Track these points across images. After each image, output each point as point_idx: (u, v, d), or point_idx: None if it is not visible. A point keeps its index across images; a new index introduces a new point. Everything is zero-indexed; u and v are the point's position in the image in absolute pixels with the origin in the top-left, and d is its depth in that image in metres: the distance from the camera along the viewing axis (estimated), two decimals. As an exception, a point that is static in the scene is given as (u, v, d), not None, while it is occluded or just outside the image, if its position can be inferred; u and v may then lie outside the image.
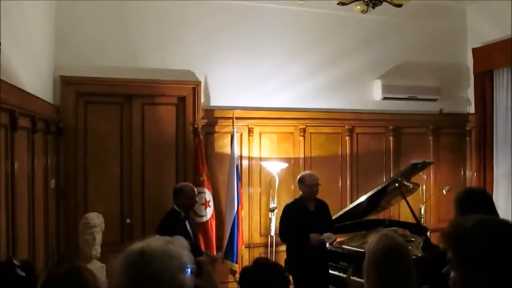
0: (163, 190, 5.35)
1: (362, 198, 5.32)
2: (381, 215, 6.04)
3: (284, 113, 6.14)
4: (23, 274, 2.14)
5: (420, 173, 5.82)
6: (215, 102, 5.88)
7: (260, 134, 6.10)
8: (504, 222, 1.46)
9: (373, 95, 6.58)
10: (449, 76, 6.92)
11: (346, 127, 6.46)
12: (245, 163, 6.02)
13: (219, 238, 5.62)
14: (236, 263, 5.57)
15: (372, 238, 2.26)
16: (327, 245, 4.78)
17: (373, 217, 5.82)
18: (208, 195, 5.54)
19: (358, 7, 4.28)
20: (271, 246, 5.86)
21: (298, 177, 4.94)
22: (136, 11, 5.52)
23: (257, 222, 6.06)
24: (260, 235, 6.06)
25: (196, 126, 5.70)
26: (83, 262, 4.38)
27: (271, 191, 5.94)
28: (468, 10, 6.88)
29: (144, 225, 5.53)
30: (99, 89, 5.38)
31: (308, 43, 6.24)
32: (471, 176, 6.87)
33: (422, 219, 5.92)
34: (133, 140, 5.58)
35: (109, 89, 5.41)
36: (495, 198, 6.25)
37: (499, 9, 6.16)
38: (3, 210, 3.22)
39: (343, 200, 6.35)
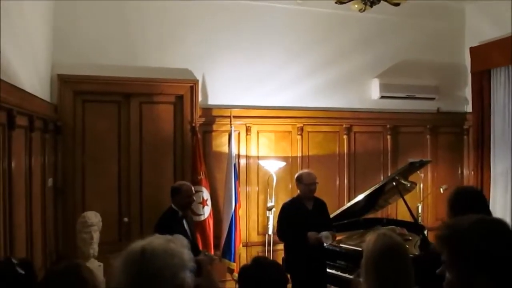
0: (161, 188, 5.34)
1: (360, 197, 5.33)
2: (378, 214, 6.05)
3: (282, 111, 6.14)
4: (23, 272, 2.14)
5: (418, 171, 5.83)
6: (213, 100, 5.88)
7: (257, 132, 6.10)
8: (500, 222, 1.46)
9: (371, 94, 6.59)
10: (447, 75, 6.92)
11: (344, 126, 6.47)
12: (242, 161, 6.03)
13: (217, 236, 5.62)
14: (234, 261, 5.57)
15: (370, 237, 2.27)
16: (325, 243, 4.79)
17: (371, 215, 5.83)
18: (206, 194, 5.55)
19: (356, 5, 4.28)
20: (269, 244, 5.87)
21: (296, 175, 4.95)
22: (134, 10, 5.51)
23: (254, 221, 6.07)
24: (258, 234, 6.07)
25: (194, 124, 5.70)
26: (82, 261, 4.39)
27: (268, 189, 5.95)
28: (467, 9, 6.88)
29: (142, 224, 5.53)
30: (97, 88, 5.37)
31: (305, 42, 6.24)
32: (468, 175, 6.88)
33: (420, 218, 5.94)
34: (131, 139, 5.58)
35: (107, 87, 5.41)
36: (492, 197, 6.29)
37: (497, 9, 6.17)
38: (1, 208, 3.22)
39: (341, 198, 6.35)
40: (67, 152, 5.26)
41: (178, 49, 5.71)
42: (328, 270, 4.87)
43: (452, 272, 1.40)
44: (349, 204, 5.53)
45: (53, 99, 5.15)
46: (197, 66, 5.78)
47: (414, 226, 5.17)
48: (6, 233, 3.33)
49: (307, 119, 6.26)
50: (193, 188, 4.70)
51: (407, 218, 5.30)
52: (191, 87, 5.74)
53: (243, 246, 5.87)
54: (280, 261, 4.83)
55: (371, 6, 4.25)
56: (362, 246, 2.32)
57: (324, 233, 4.64)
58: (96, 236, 4.62)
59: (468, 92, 6.89)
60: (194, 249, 4.13)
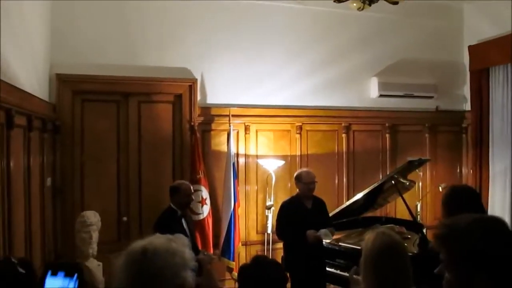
0: (160, 188, 5.34)
1: (359, 196, 5.34)
2: (377, 213, 6.05)
3: (281, 110, 6.14)
4: (23, 271, 2.14)
5: (417, 170, 5.83)
6: (211, 99, 5.88)
7: (256, 131, 6.10)
8: (498, 220, 1.46)
9: (369, 93, 6.59)
10: (445, 74, 6.93)
11: (343, 124, 6.47)
12: (241, 160, 6.03)
13: (216, 235, 5.62)
14: (233, 260, 5.57)
15: (369, 236, 2.26)
16: (324, 242, 4.80)
17: (370, 214, 5.83)
18: (205, 193, 5.55)
19: (355, 4, 4.29)
20: (268, 243, 5.87)
21: (295, 174, 4.95)
22: (132, 9, 5.50)
23: (253, 220, 6.07)
24: (257, 233, 6.07)
25: (192, 124, 5.70)
26: (81, 260, 4.40)
27: (267, 188, 5.95)
28: (465, 8, 6.88)
29: (141, 223, 5.53)
30: (96, 87, 5.37)
31: (304, 41, 6.23)
32: (467, 173, 6.88)
33: (419, 216, 5.94)
34: (130, 138, 5.58)
35: (106, 87, 5.40)
36: (491, 195, 6.30)
37: (496, 8, 6.17)
38: None
39: (340, 197, 6.36)
40: (66, 151, 5.26)
41: (177, 48, 5.70)
42: (327, 268, 4.87)
43: (450, 271, 1.40)
44: (348, 203, 5.53)
45: (51, 99, 5.15)
46: (196, 65, 5.78)
47: (413, 225, 5.18)
48: (5, 233, 3.33)
49: (306, 118, 6.26)
50: (192, 187, 4.71)
51: (406, 216, 5.30)
52: (190, 86, 5.74)
53: (242, 245, 5.87)
54: (279, 260, 4.83)
55: (370, 5, 4.26)
56: (361, 245, 2.32)
57: (322, 231, 4.65)
58: (95, 235, 4.62)
59: (466, 91, 6.89)
60: (193, 249, 4.13)
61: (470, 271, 1.35)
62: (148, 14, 5.57)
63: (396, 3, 4.32)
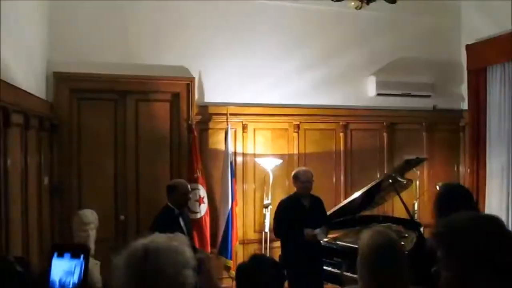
0: (157, 186, 5.33)
1: (357, 194, 5.34)
2: (375, 211, 6.05)
3: (278, 109, 6.13)
4: (22, 270, 2.14)
5: (414, 169, 5.84)
6: (209, 98, 5.88)
7: (254, 130, 6.10)
8: (494, 218, 1.47)
9: (367, 92, 6.59)
10: (443, 73, 6.93)
11: (341, 123, 6.48)
12: (239, 159, 6.02)
13: (214, 234, 5.62)
14: (231, 259, 5.58)
15: (365, 235, 2.26)
16: (321, 241, 4.80)
17: (367, 213, 5.83)
18: (203, 192, 5.54)
19: (353, 3, 4.28)
20: (265, 242, 5.87)
21: (293, 173, 4.95)
22: (130, 7, 5.49)
23: (251, 219, 6.07)
24: (254, 231, 6.07)
25: (190, 122, 5.69)
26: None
27: (265, 187, 5.95)
28: (463, 6, 6.89)
29: (138, 221, 5.52)
30: (93, 86, 5.36)
31: (302, 40, 6.23)
32: (464, 172, 6.89)
33: (416, 215, 5.94)
34: (127, 137, 5.57)
35: (103, 85, 5.40)
36: (488, 194, 6.32)
37: (493, 6, 6.18)
38: (-4, 207, 3.21)
39: (338, 196, 6.36)
40: (63, 150, 5.25)
41: (175, 47, 5.70)
42: (324, 267, 4.88)
43: (448, 269, 1.40)
44: (345, 202, 5.53)
45: (49, 97, 5.14)
46: (193, 63, 5.77)
47: (410, 223, 5.18)
48: (2, 231, 3.32)
49: (303, 116, 6.26)
50: (189, 186, 4.71)
51: (403, 215, 5.30)
52: (188, 85, 5.73)
53: (239, 243, 5.87)
54: (277, 259, 4.83)
55: (368, 3, 4.26)
56: (358, 243, 2.32)
57: (316, 230, 4.65)
58: (93, 234, 4.60)
59: (464, 90, 6.90)
60: (191, 247, 4.14)
61: (467, 269, 1.35)
62: (146, 13, 5.56)
63: (394, 2, 4.32)
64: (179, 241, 1.69)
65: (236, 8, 5.93)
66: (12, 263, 2.15)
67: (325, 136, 6.44)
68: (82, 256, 1.69)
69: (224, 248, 5.58)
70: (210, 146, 5.92)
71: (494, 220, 1.45)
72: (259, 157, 6.02)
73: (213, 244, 5.58)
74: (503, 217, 5.54)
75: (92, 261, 4.52)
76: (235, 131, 5.98)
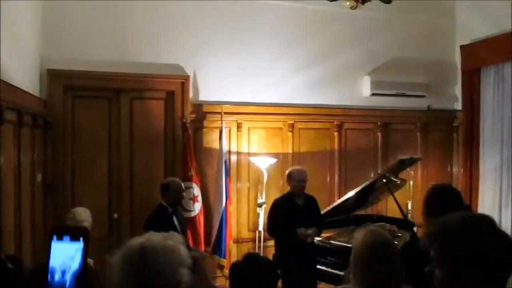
0: (151, 185, 5.31)
1: (350, 194, 5.35)
2: (368, 211, 6.07)
3: (273, 108, 6.14)
4: (12, 266, 2.13)
5: (408, 169, 5.86)
6: (204, 97, 5.87)
7: (248, 129, 6.09)
8: (487, 218, 1.47)
9: (362, 91, 6.60)
10: (437, 73, 6.95)
11: (335, 123, 6.48)
12: (233, 158, 6.02)
13: (208, 233, 5.61)
14: (224, 258, 5.57)
15: (359, 234, 2.27)
16: (315, 240, 4.81)
17: (361, 212, 5.85)
18: (197, 190, 5.54)
19: (348, 3, 4.28)
20: (259, 241, 5.87)
21: (287, 172, 4.95)
22: (125, 5, 5.47)
23: (245, 217, 6.07)
24: (248, 230, 6.07)
25: (184, 121, 5.68)
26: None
27: (259, 186, 5.95)
28: (458, 7, 6.91)
29: (132, 220, 5.51)
30: (87, 83, 5.34)
31: (297, 39, 6.23)
32: (458, 172, 6.92)
33: (409, 215, 5.96)
34: (121, 135, 5.55)
35: (97, 83, 5.37)
36: (481, 194, 6.35)
37: (488, 7, 6.20)
38: (-11, 204, 3.20)
39: (331, 195, 6.37)
40: (57, 147, 5.23)
41: (170, 45, 5.68)
42: (318, 266, 4.88)
43: (441, 268, 1.41)
44: (339, 201, 5.54)
45: (42, 94, 5.11)
46: (188, 62, 5.76)
47: (404, 223, 5.20)
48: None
49: (298, 116, 6.26)
50: (183, 185, 4.70)
51: (397, 215, 5.31)
52: (182, 83, 5.72)
53: (233, 242, 5.87)
54: (270, 258, 4.83)
55: (363, 3, 4.26)
56: (352, 243, 2.32)
57: (310, 230, 4.66)
58: (86, 232, 4.59)
59: (458, 90, 6.93)
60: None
61: (461, 268, 1.36)
62: (141, 10, 5.54)
63: (389, 2, 4.32)
64: (174, 240, 1.69)
65: (232, 7, 5.92)
66: (4, 261, 2.15)
67: (320, 136, 6.45)
68: (81, 238, 1.68)
69: (218, 247, 5.58)
70: (205, 145, 5.91)
71: (487, 220, 1.45)
72: (253, 156, 6.02)
73: (207, 243, 5.58)
74: (496, 217, 5.55)
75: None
76: (230, 130, 5.97)
